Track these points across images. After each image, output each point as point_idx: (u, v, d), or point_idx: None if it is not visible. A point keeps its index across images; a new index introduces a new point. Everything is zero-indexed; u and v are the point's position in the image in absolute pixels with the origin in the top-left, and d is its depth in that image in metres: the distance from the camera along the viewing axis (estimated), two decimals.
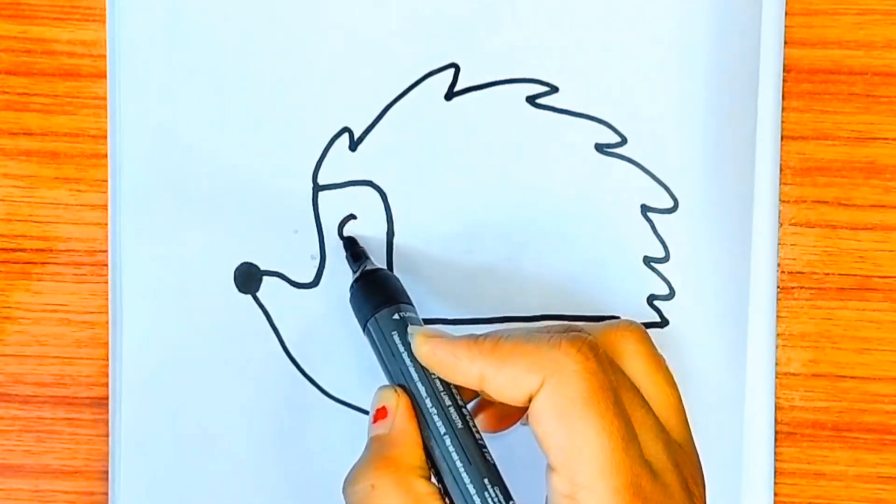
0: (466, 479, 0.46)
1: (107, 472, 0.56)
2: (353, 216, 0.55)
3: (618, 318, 0.55)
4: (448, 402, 0.48)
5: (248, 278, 0.55)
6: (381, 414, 0.48)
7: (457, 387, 0.48)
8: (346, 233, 0.56)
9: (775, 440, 0.56)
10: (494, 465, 0.47)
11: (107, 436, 0.56)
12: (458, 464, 0.47)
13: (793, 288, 0.57)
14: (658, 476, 0.44)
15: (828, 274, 0.57)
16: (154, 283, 0.55)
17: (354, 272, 0.53)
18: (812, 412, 0.57)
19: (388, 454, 0.47)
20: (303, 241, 0.55)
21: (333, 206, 0.55)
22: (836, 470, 0.57)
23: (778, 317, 0.56)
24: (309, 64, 0.55)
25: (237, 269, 0.55)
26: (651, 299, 0.55)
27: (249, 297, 0.55)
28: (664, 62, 0.55)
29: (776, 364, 0.56)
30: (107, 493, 0.56)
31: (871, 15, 0.56)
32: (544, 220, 0.55)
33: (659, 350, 0.49)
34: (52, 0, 0.56)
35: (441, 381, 0.48)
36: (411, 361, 0.48)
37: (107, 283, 0.56)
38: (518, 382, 0.44)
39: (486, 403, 0.51)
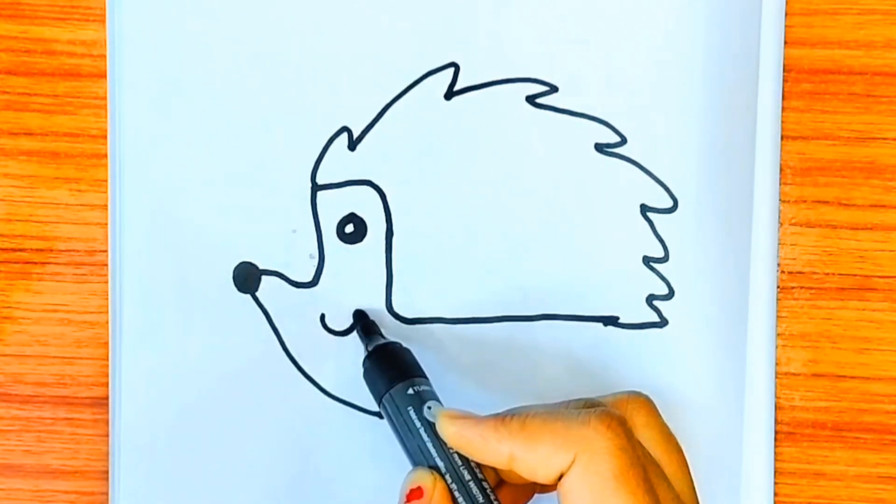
0: None
1: (107, 472, 0.56)
2: (352, 215, 0.55)
3: (616, 317, 0.55)
4: (468, 477, 0.48)
5: (247, 278, 0.55)
6: (416, 494, 0.47)
7: (476, 462, 0.48)
8: (356, 306, 0.56)
9: (775, 440, 0.56)
10: None
11: (107, 436, 0.56)
12: None
13: (793, 288, 0.57)
14: None
15: (828, 274, 0.57)
16: (154, 283, 0.55)
17: (366, 347, 0.53)
18: (812, 412, 0.57)
19: None
20: (301, 241, 0.55)
21: (332, 205, 0.55)
22: (836, 470, 0.57)
23: (778, 317, 0.56)
24: (308, 63, 0.55)
25: (236, 268, 0.55)
26: (650, 299, 0.55)
27: (248, 296, 0.55)
28: (664, 62, 0.55)
29: (776, 364, 0.56)
30: (107, 493, 0.56)
31: (871, 15, 0.56)
32: (544, 219, 0.55)
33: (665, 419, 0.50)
34: (52, 0, 0.56)
35: (459, 455, 0.48)
36: (429, 436, 0.48)
37: (107, 283, 0.56)
38: (549, 461, 0.45)
39: (500, 484, 0.50)
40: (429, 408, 0.49)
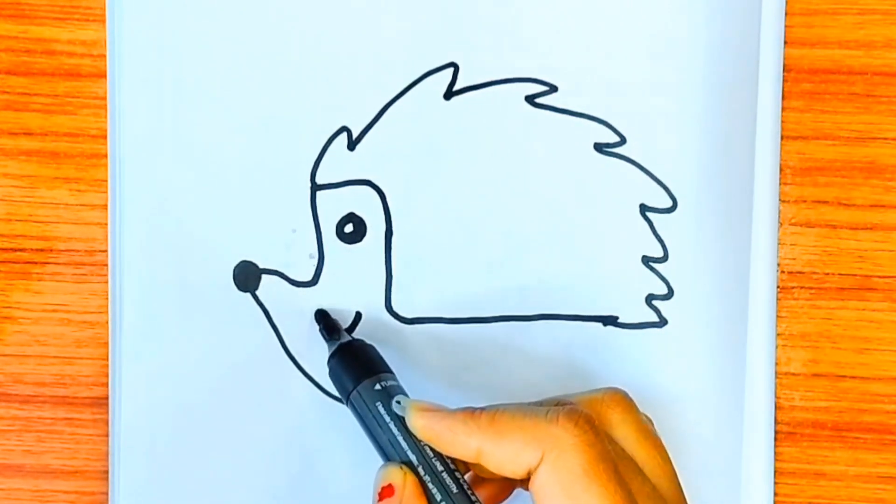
0: None
1: (107, 472, 0.56)
2: (352, 215, 0.55)
3: (616, 317, 0.55)
4: (440, 468, 0.48)
5: (247, 277, 0.55)
6: (387, 492, 0.48)
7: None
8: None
9: (775, 440, 0.56)
10: None
11: (107, 436, 0.56)
12: None
13: (793, 288, 0.57)
14: None
15: (828, 274, 0.57)
16: (154, 283, 0.55)
17: (330, 347, 0.53)
18: (812, 412, 0.57)
19: None
20: (301, 240, 0.55)
21: (332, 205, 0.55)
22: (836, 470, 0.57)
23: (778, 317, 0.56)
24: (308, 63, 0.55)
25: (236, 267, 0.55)
26: (650, 299, 0.55)
27: (248, 295, 0.55)
28: (664, 62, 0.55)
29: (776, 364, 0.56)
30: (107, 493, 0.56)
31: (871, 15, 0.56)
32: (543, 219, 0.55)
33: (644, 413, 0.50)
34: (52, 0, 0.56)
35: (431, 447, 0.48)
36: (398, 430, 0.49)
37: (107, 283, 0.56)
38: (517, 457, 0.45)
39: (477, 481, 0.50)
40: (398, 402, 0.49)
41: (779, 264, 0.56)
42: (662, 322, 0.55)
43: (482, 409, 0.47)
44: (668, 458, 0.48)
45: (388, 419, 0.49)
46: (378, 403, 0.49)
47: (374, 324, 0.55)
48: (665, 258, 0.55)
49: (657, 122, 0.55)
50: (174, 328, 0.56)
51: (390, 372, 0.51)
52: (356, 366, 0.51)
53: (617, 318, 0.55)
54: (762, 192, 0.56)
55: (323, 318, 0.55)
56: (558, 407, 0.46)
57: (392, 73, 0.55)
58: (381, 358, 0.52)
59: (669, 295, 0.55)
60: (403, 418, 0.48)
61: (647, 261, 0.55)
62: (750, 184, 0.56)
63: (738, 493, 0.56)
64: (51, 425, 0.57)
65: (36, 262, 0.57)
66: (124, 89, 0.55)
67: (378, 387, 0.50)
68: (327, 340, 0.54)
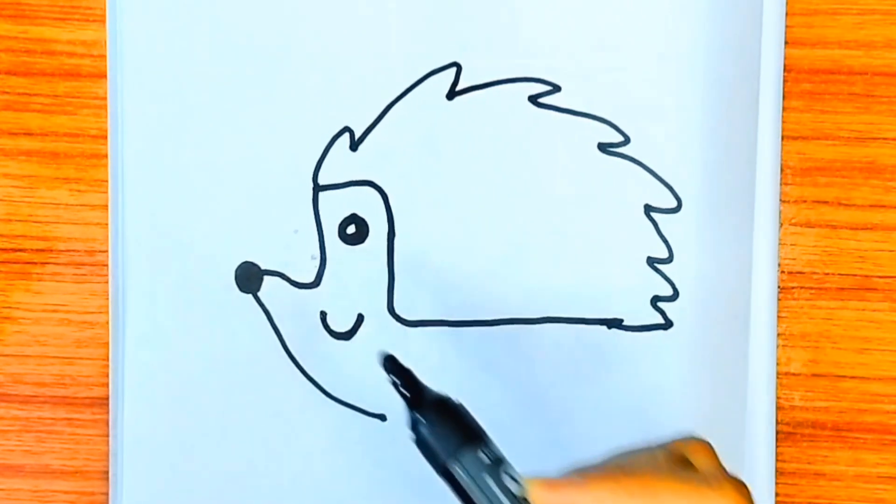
0: None
1: (107, 472, 0.56)
2: (354, 216, 0.55)
3: (621, 320, 0.55)
4: None
5: (249, 278, 0.55)
6: None
7: None
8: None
9: (775, 440, 0.56)
10: None
11: (107, 436, 0.56)
12: None
13: (793, 288, 0.57)
14: None
15: (828, 274, 0.57)
16: (154, 283, 0.55)
17: (412, 403, 0.48)
18: (812, 412, 0.57)
19: None
20: (303, 242, 0.55)
21: (334, 206, 0.55)
22: (836, 470, 0.57)
23: (778, 317, 0.56)
24: (309, 63, 0.55)
25: (238, 268, 0.55)
26: (655, 301, 0.55)
27: (250, 296, 0.55)
28: (666, 62, 0.55)
29: (776, 364, 0.56)
30: (107, 493, 0.56)
31: (871, 15, 0.56)
32: (547, 220, 0.55)
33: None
34: (52, 0, 0.56)
35: None
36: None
37: (107, 283, 0.56)
38: None
39: None
40: (512, 479, 0.45)
41: (779, 264, 0.56)
42: (668, 324, 0.55)
43: (613, 468, 0.44)
44: None
45: (498, 492, 0.45)
46: (485, 474, 0.45)
47: (376, 326, 0.55)
48: (670, 259, 0.55)
49: (660, 122, 0.55)
50: (175, 329, 0.55)
51: (487, 436, 0.47)
52: (457, 430, 0.46)
53: (622, 320, 0.55)
54: (763, 191, 0.56)
55: (400, 372, 0.49)
56: (719, 476, 0.44)
57: (394, 73, 0.55)
58: (475, 419, 0.47)
59: (675, 296, 0.55)
60: (510, 490, 0.45)
61: (652, 262, 0.55)
62: (751, 183, 0.56)
63: None
64: (51, 425, 0.57)
65: (36, 262, 0.57)
66: (124, 89, 0.55)
67: (482, 455, 0.46)
68: (406, 399, 0.48)
